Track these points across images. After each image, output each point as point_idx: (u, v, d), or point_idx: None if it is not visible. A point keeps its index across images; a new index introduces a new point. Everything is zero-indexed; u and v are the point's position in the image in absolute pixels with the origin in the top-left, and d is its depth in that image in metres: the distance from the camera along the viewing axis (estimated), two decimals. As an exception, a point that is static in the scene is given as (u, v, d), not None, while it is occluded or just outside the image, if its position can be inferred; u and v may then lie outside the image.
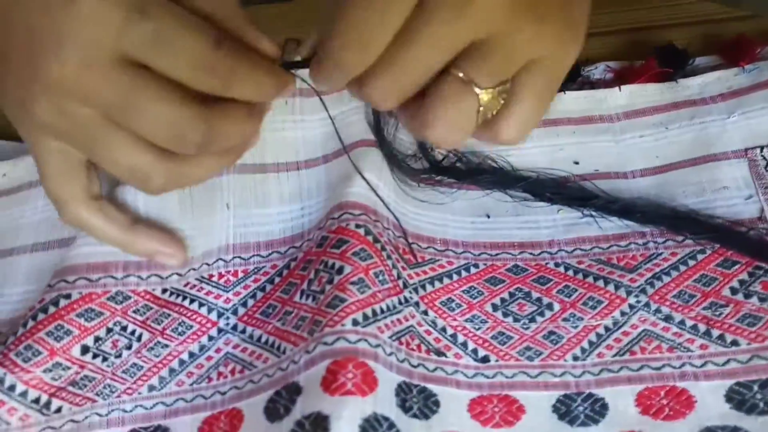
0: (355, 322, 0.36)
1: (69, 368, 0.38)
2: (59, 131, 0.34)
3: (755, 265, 0.39)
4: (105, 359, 0.39)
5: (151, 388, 0.39)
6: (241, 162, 0.43)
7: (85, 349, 0.38)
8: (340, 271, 0.37)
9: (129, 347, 0.39)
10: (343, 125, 0.44)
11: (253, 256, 0.42)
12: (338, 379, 0.33)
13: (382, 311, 0.37)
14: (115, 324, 0.39)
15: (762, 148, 0.42)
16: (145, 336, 0.40)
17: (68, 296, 0.39)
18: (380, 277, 0.38)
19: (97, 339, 0.39)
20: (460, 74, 0.29)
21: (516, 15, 0.28)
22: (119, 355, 0.39)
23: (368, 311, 0.36)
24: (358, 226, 0.39)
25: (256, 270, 0.41)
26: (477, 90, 0.29)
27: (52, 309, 0.38)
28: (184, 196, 0.42)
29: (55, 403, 0.37)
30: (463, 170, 0.44)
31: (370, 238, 0.39)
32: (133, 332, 0.40)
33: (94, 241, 0.40)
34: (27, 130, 0.36)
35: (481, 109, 0.29)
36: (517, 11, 0.27)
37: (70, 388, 0.38)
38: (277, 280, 0.41)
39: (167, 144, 0.32)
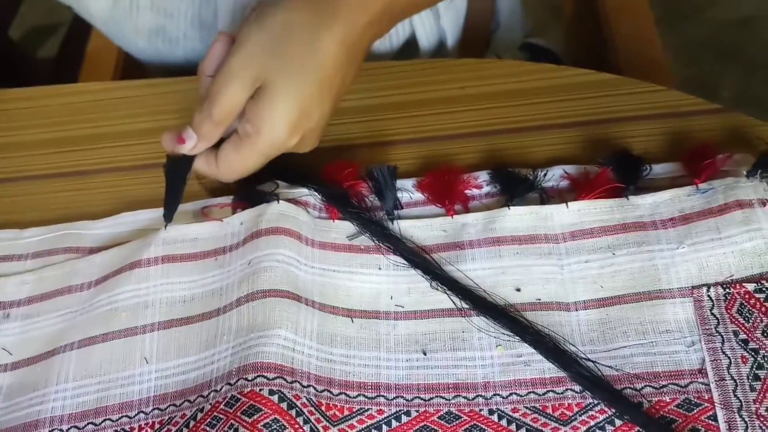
0: None
1: None
2: None
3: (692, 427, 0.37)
4: None
5: None
6: (165, 318, 0.44)
7: None
8: None
9: None
10: (259, 270, 0.43)
11: (169, 406, 0.42)
12: None
13: None
14: None
15: (708, 287, 0.40)
16: None
17: None
18: None
19: None
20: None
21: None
22: None
23: None
24: (272, 392, 0.39)
25: (169, 420, 0.41)
26: None
27: None
28: (104, 348, 0.44)
29: None
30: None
31: (284, 405, 0.38)
32: None
33: None
34: None
35: None
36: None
37: None
38: (184, 431, 0.40)
39: None
